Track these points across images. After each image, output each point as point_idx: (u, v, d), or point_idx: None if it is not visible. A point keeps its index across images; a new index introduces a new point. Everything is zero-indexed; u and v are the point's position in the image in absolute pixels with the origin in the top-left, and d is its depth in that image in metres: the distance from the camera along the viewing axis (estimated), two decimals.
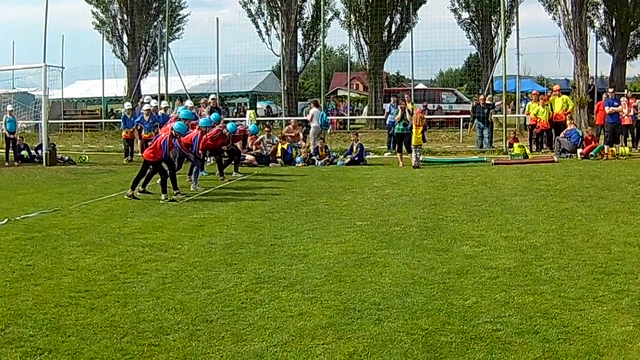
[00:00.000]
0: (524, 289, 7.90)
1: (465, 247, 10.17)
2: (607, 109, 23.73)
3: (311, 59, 49.60)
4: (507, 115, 28.79)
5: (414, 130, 21.49)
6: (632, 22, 41.71)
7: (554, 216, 12.53)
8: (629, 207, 13.22)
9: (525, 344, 6.22)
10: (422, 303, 7.44)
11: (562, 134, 24.58)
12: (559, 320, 6.81)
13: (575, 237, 10.68)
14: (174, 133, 15.58)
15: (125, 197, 15.42)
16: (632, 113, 25.17)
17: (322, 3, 36.08)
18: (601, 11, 42.72)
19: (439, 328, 6.65)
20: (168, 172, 15.76)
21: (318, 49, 45.44)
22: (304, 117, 30.04)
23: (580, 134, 24.14)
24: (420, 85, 51.42)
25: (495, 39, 43.48)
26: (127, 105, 27.98)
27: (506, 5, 38.23)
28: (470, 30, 45.79)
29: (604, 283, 8.03)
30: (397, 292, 7.90)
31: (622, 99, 26.24)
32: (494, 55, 42.89)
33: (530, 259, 9.31)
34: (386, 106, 31.47)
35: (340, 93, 68.19)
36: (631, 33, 42.40)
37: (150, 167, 15.70)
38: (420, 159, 21.89)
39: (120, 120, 28.46)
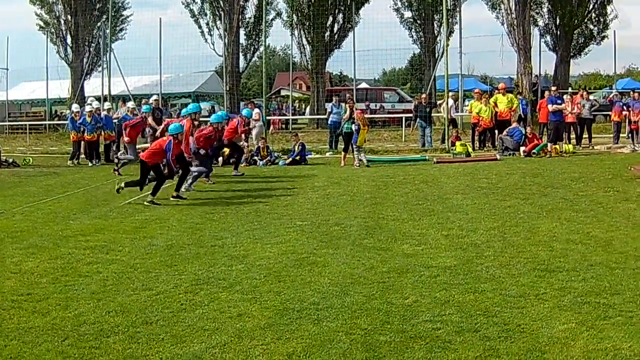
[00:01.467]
0: (465, 287, 7.98)
1: (405, 246, 10.25)
2: (550, 107, 24.08)
3: (254, 59, 49.67)
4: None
5: (361, 131, 21.61)
6: (576, 21, 42.47)
7: (495, 214, 12.70)
8: (572, 205, 13.46)
9: (466, 342, 6.27)
10: (361, 302, 7.50)
11: (504, 132, 24.94)
12: (500, 318, 6.89)
13: (517, 234, 10.83)
14: (175, 136, 15.26)
15: (146, 203, 14.84)
16: (576, 110, 25.69)
17: (264, 3, 36.10)
18: (545, 10, 43.41)
19: (378, 327, 6.70)
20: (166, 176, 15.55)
21: (261, 49, 45.47)
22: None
23: (523, 132, 24.50)
24: (363, 85, 51.70)
25: (438, 38, 44.00)
26: (75, 107, 27.59)
27: (449, 4, 38.67)
28: (412, 30, 46.28)
29: (546, 280, 8.15)
30: (336, 291, 7.95)
31: (565, 96, 26.73)
32: (436, 54, 43.35)
33: (471, 257, 9.42)
34: (328, 106, 31.54)
35: (283, 93, 68.21)
36: (575, 31, 43.17)
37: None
38: (363, 159, 21.93)
39: (67, 122, 28.34)
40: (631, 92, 30.34)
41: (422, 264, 9.13)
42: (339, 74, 69.64)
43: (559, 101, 24.64)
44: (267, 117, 33.03)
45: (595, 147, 26.49)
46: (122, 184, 15.59)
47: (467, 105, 29.38)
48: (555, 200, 14.05)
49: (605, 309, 7.09)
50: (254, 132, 26.36)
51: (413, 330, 6.60)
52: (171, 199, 15.27)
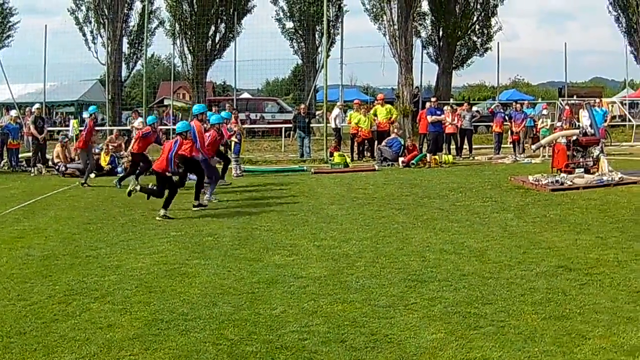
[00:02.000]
0: (334, 298, 7.93)
1: (276, 257, 10.21)
2: (429, 118, 24.43)
3: (137, 67, 48.94)
4: (328, 124, 29.12)
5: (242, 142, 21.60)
6: (459, 32, 43.38)
7: (369, 224, 12.70)
8: (447, 215, 13.58)
9: (332, 352, 6.26)
10: (229, 313, 7.51)
11: (383, 143, 25.17)
12: (368, 328, 6.85)
13: (390, 245, 10.84)
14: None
15: (158, 218, 14.06)
16: (456, 122, 26.19)
17: (146, 11, 35.61)
18: (428, 21, 44.19)
19: (244, 338, 6.71)
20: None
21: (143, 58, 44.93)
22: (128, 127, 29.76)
23: (402, 143, 24.78)
24: (245, 95, 51.70)
25: (319, 49, 44.20)
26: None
27: (331, 15, 38.92)
28: (294, 40, 46.40)
29: (417, 291, 8.14)
30: (205, 302, 7.97)
31: (445, 107, 27.20)
32: (317, 65, 43.56)
33: (342, 268, 9.37)
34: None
35: (166, 102, 67.40)
36: (458, 43, 44.09)
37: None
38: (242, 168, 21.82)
39: None
40: (513, 104, 31.16)
41: (292, 274, 9.09)
42: (222, 83, 69.31)
43: (438, 112, 25.01)
44: None
45: (476, 158, 27.03)
46: (137, 187, 14.97)
47: (347, 116, 29.52)
48: (431, 211, 14.17)
49: (476, 318, 7.13)
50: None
51: (279, 341, 6.59)
52: (193, 209, 14.94)
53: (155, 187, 14.70)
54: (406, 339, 6.54)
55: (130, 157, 20.14)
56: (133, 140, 20.21)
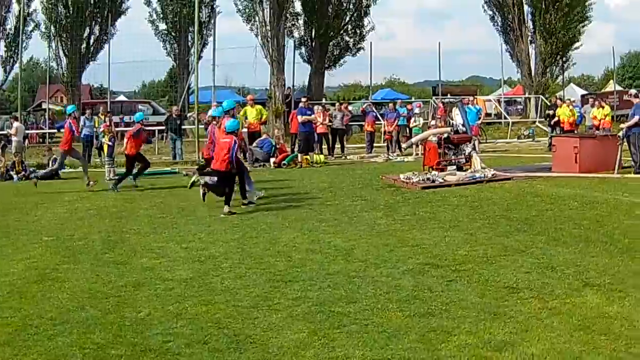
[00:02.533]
0: (198, 300, 7.95)
1: (144, 260, 10.19)
2: (300, 118, 24.64)
3: (14, 70, 47.60)
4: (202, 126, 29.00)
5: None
6: (331, 33, 43.86)
7: (237, 226, 12.75)
8: (316, 215, 13.74)
9: (195, 354, 6.30)
10: (96, 317, 7.48)
11: (254, 143, 25.24)
12: (231, 329, 6.89)
13: (257, 245, 10.90)
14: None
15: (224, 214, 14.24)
16: (327, 121, 26.53)
17: (22, 14, 34.73)
18: (301, 21, 44.50)
19: (111, 341, 6.69)
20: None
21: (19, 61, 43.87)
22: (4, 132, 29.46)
23: (274, 143, 24.92)
24: (121, 97, 51.07)
25: (192, 50, 44.01)
26: None
27: (203, 17, 38.76)
28: (167, 42, 46.08)
29: (281, 291, 8.21)
30: (73, 306, 7.94)
31: (316, 107, 27.50)
32: (190, 66, 43.36)
33: (208, 270, 9.40)
34: (81, 119, 30.62)
35: (44, 106, 65.66)
36: (331, 43, 44.54)
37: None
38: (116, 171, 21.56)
39: None
40: (390, 103, 31.75)
41: (159, 277, 9.08)
42: (99, 86, 68.13)
43: (308, 112, 25.27)
44: (26, 131, 32.32)
45: (348, 157, 27.39)
46: (202, 181, 15.07)
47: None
48: (300, 211, 14.32)
49: (339, 317, 7.21)
50: (13, 146, 25.76)
51: (144, 344, 6.60)
52: (242, 207, 15.06)
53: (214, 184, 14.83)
54: (269, 339, 6.59)
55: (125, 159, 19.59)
56: (125, 141, 19.65)
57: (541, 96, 44.84)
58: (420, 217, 13.22)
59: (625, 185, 16.82)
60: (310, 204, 15.23)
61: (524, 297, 7.73)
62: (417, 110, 29.76)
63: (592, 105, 29.61)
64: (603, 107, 27.78)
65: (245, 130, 24.05)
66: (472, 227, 11.99)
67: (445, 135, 20.66)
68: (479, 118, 27.98)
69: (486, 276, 8.65)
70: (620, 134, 19.66)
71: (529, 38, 47.83)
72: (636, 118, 19.31)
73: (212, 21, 40.38)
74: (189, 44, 45.09)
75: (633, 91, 23.83)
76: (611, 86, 62.91)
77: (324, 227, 12.31)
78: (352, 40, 45.91)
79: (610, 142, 20.38)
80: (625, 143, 19.56)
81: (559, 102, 30.27)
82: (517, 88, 59.02)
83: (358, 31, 45.95)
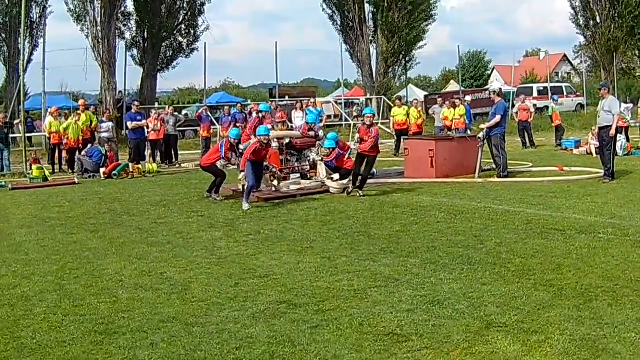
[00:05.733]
0: None
1: None
2: (130, 124, 22.71)
3: None
4: (29, 135, 26.61)
5: None
6: (164, 33, 41.91)
7: (59, 252, 10.78)
8: (147, 237, 11.95)
9: None
10: None
11: (83, 152, 23.15)
12: None
13: (78, 280, 8.98)
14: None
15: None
16: (159, 127, 24.83)
17: None
18: (133, 22, 42.25)
19: None
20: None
21: None
22: None
23: (104, 152, 22.87)
24: None
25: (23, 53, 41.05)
26: None
27: (34, 17, 36.28)
28: None
29: (104, 349, 6.40)
30: None
31: (152, 112, 25.81)
32: (20, 70, 40.44)
33: (18, 317, 7.45)
34: None
35: None
36: (163, 44, 42.59)
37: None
38: None
39: None
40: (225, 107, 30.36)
41: None
42: None
43: (138, 117, 23.34)
44: None
45: (182, 166, 25.66)
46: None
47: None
48: (129, 232, 12.47)
49: None
50: None
51: None
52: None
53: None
54: None
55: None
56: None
57: (383, 97, 44.37)
58: (266, 236, 11.60)
59: (491, 191, 15.92)
60: (140, 223, 13.36)
61: (414, 348, 6.18)
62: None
63: (442, 106, 28.84)
64: (456, 107, 27.12)
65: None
66: (329, 248, 10.48)
67: (287, 140, 19.19)
68: (321, 120, 26.67)
69: (359, 318, 7.01)
70: (481, 135, 18.78)
71: (370, 37, 47.28)
72: (497, 118, 18.42)
73: (43, 21, 37.54)
74: (20, 46, 42.00)
75: (494, 89, 23.31)
76: (452, 86, 63.99)
77: (156, 254, 10.50)
78: (185, 40, 44.06)
79: (469, 144, 19.49)
80: (487, 145, 18.73)
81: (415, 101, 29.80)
82: (355, 89, 58.74)
83: (192, 31, 44.12)
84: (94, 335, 6.79)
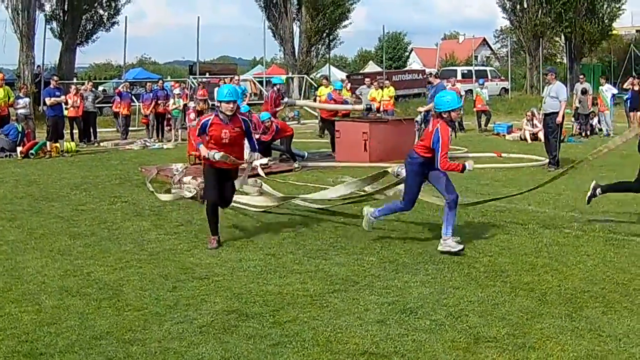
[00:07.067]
0: None
1: None
2: (48, 101, 21.13)
3: None
4: None
5: None
6: (85, 5, 40.21)
7: None
8: (68, 227, 10.67)
9: None
10: None
11: None
12: None
13: None
14: None
15: None
16: (78, 104, 23.57)
17: None
18: None
19: None
20: None
21: None
22: None
23: (20, 129, 21.32)
24: None
25: None
26: None
27: None
28: None
29: None
30: None
31: (71, 87, 24.57)
32: None
33: None
34: None
35: None
36: (84, 17, 40.88)
37: None
38: None
39: None
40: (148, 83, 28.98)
41: None
42: None
43: (57, 93, 21.74)
44: None
45: (102, 144, 24.28)
46: None
47: None
48: (49, 220, 11.14)
49: None
50: None
51: None
52: None
53: None
54: None
55: None
56: None
57: (306, 76, 43.38)
58: (200, 227, 10.37)
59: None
60: (61, 210, 12.04)
61: None
62: (177, 91, 26.90)
63: (369, 86, 27.90)
64: (384, 88, 26.25)
65: None
66: (271, 242, 9.43)
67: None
68: (244, 98, 25.52)
69: (324, 332, 6.01)
70: (418, 118, 17.98)
71: (294, 15, 46.22)
72: None
73: None
74: None
75: (432, 71, 22.61)
76: (370, 67, 63.42)
77: (80, 248, 9.28)
78: (106, 13, 42.35)
79: (405, 127, 18.60)
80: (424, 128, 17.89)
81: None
82: (273, 67, 57.60)
83: (113, 4, 42.47)
84: (17, 357, 5.61)
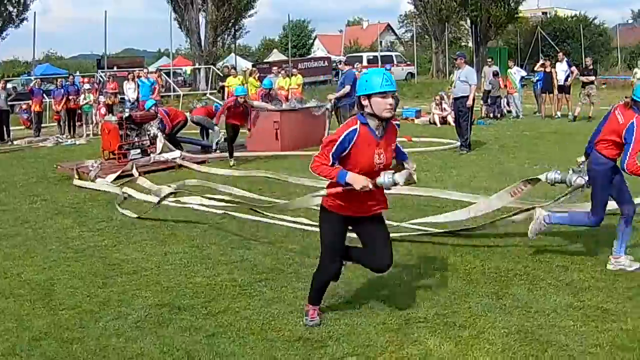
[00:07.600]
0: None
1: None
2: None
3: None
4: None
5: None
6: None
7: None
8: None
9: None
10: None
11: None
12: None
13: None
14: None
15: None
16: None
17: None
18: None
19: None
20: None
21: None
22: None
23: None
24: None
25: None
26: None
27: None
28: None
29: None
30: None
31: None
32: None
33: None
34: None
35: None
36: None
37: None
38: None
39: None
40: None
41: None
42: None
43: None
44: None
45: (15, 143, 23.85)
46: None
47: None
48: None
49: None
50: None
51: None
52: None
53: None
54: None
55: None
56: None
57: (212, 66, 43.23)
58: (121, 223, 10.53)
59: None
60: None
61: (336, 356, 5.49)
62: (87, 86, 26.60)
63: (277, 75, 27.98)
64: (292, 76, 26.38)
65: None
66: (192, 235, 9.62)
67: (127, 114, 18.11)
68: (153, 91, 25.40)
69: (257, 321, 6.21)
70: (329, 105, 18.26)
71: (199, 5, 45.96)
72: (347, 88, 17.75)
73: None
74: None
75: (342, 59, 22.80)
76: (275, 55, 63.34)
77: (7, 249, 9.26)
78: (15, 10, 41.47)
79: (316, 115, 18.95)
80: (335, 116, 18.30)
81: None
82: (179, 59, 57.18)
83: (21, 1, 41.64)
84: None
